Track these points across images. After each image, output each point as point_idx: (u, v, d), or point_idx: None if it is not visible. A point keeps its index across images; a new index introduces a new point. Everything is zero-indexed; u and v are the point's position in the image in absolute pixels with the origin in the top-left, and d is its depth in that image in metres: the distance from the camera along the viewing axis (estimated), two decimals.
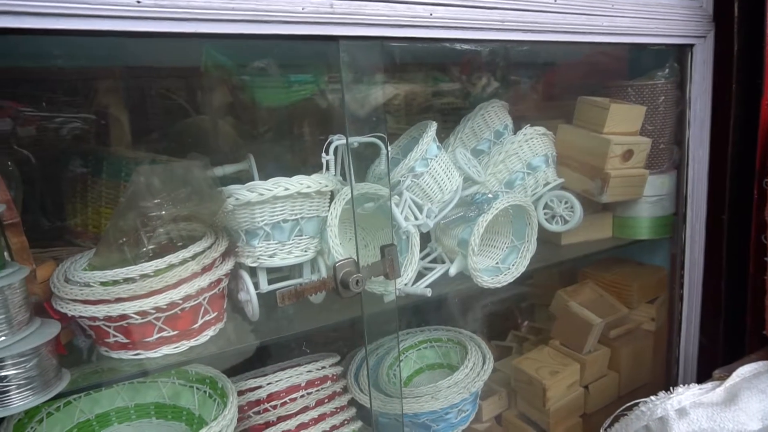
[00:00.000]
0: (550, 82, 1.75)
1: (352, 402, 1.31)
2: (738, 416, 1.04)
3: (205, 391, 1.18)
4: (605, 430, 1.19)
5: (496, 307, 1.78)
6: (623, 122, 1.39)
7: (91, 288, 0.89)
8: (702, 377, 1.47)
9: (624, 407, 1.16)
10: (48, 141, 1.25)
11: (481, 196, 1.21)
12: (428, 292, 1.15)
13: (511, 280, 1.26)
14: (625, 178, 1.40)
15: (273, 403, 1.19)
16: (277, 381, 1.19)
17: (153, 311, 0.89)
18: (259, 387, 1.18)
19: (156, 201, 0.90)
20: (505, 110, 1.45)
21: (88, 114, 1.33)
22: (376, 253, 1.22)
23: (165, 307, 0.90)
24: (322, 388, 1.24)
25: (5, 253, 0.86)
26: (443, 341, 1.52)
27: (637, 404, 1.13)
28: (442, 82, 1.71)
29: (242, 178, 1.14)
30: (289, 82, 1.41)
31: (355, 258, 1.02)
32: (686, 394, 1.09)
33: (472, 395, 1.30)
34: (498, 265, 1.31)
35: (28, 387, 0.83)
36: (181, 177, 0.93)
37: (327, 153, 1.11)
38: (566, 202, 1.37)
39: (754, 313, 1.43)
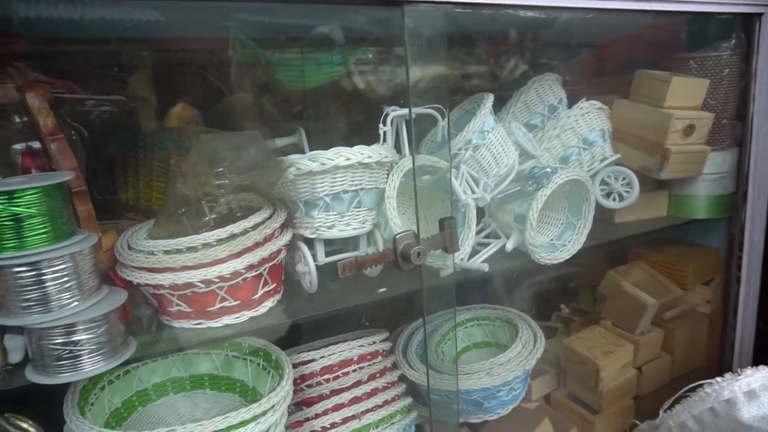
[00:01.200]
0: (601, 57, 1.69)
1: (402, 378, 1.30)
2: None
3: (258, 363, 1.18)
4: (665, 411, 1.16)
5: (539, 287, 1.75)
6: (685, 96, 1.33)
7: (155, 256, 0.90)
8: (758, 363, 1.42)
9: (686, 389, 1.13)
10: (100, 116, 1.25)
11: (539, 170, 1.17)
12: (485, 267, 1.13)
13: (567, 257, 1.23)
14: (686, 154, 1.35)
15: (326, 376, 1.18)
16: (330, 355, 1.18)
17: (217, 280, 0.89)
18: (312, 360, 1.18)
19: (219, 169, 0.89)
20: (559, 84, 1.41)
21: (140, 90, 1.33)
22: (430, 227, 1.20)
23: (228, 276, 0.90)
24: (373, 363, 1.24)
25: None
26: (491, 319, 1.50)
27: (700, 385, 1.10)
28: (468, 64, 1.68)
29: (290, 153, 1.13)
30: (318, 64, 1.39)
31: (415, 230, 1.00)
32: (755, 376, 1.06)
33: (524, 373, 1.28)
34: (553, 241, 1.28)
35: (99, 352, 0.84)
36: (244, 146, 0.92)
37: (384, 124, 1.09)
38: (624, 179, 1.32)
39: None
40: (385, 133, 1.08)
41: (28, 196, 0.77)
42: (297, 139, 1.20)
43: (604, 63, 1.66)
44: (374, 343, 1.25)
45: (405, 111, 1.11)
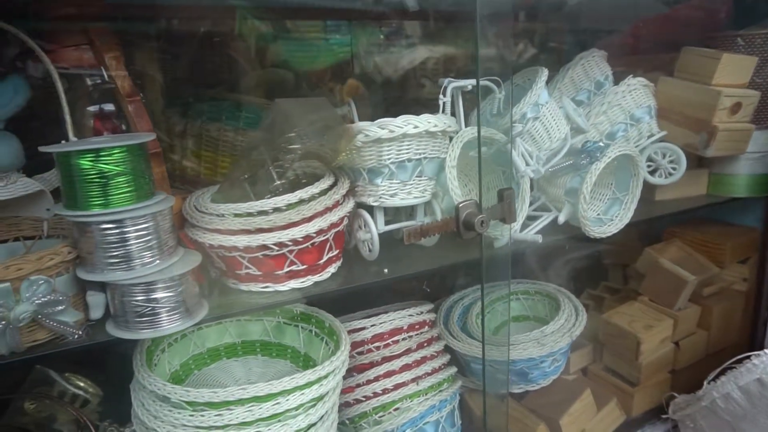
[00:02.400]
0: (640, 35, 1.69)
1: (447, 348, 1.32)
2: None
3: (311, 330, 1.21)
4: (709, 382, 1.19)
5: (568, 265, 1.77)
6: (733, 74, 1.34)
7: (230, 219, 0.91)
8: None
9: (732, 360, 1.15)
10: (164, 86, 1.26)
11: (592, 144, 1.18)
12: (539, 239, 1.15)
13: (615, 231, 1.24)
14: (731, 132, 1.36)
15: (377, 344, 1.21)
16: (381, 323, 1.21)
17: (290, 243, 0.91)
18: (363, 328, 1.20)
19: (292, 134, 0.90)
20: (605, 60, 1.41)
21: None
22: (486, 198, 1.21)
23: (301, 239, 0.91)
24: (421, 332, 1.26)
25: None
26: (530, 294, 1.53)
27: (747, 357, 1.12)
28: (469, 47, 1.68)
29: None
30: (329, 44, 1.38)
31: (477, 200, 1.01)
32: None
33: (567, 345, 1.31)
34: (600, 216, 1.29)
35: (176, 311, 0.86)
36: (314, 112, 0.92)
37: (444, 95, 1.10)
38: (671, 155, 1.33)
39: None
40: (444, 103, 1.09)
41: (115, 155, 0.78)
42: (347, 110, 1.21)
43: (644, 41, 1.66)
44: (422, 313, 1.27)
45: (463, 83, 1.12)
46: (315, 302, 1.19)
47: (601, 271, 1.87)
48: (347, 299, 1.31)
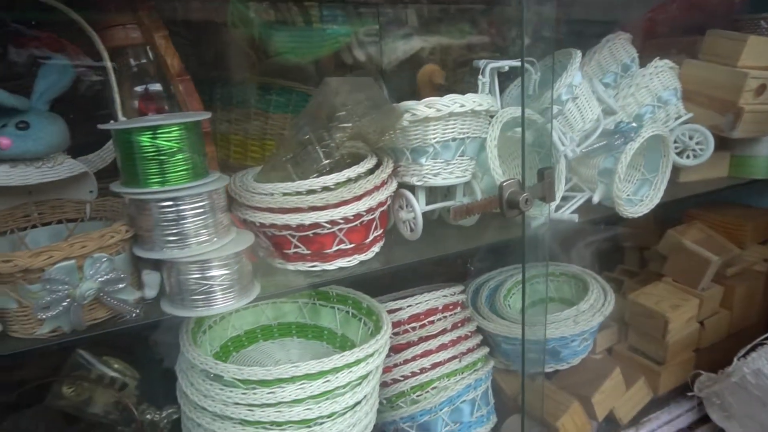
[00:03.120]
0: (659, 19, 1.70)
1: (478, 329, 1.33)
2: None
3: (347, 311, 1.21)
4: (739, 359, 1.21)
5: (584, 249, 1.79)
6: (758, 56, 1.35)
7: (282, 197, 0.91)
8: None
9: (763, 337, 1.18)
10: (209, 72, 1.25)
11: (625, 125, 1.19)
12: (575, 218, 1.16)
13: (646, 211, 1.26)
14: (756, 113, 1.37)
15: (413, 324, 1.22)
16: (417, 303, 1.22)
17: (341, 221, 0.91)
18: (400, 309, 1.21)
19: (342, 113, 0.90)
20: (630, 43, 1.42)
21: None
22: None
23: (351, 217, 0.92)
24: (455, 313, 1.28)
25: None
26: (555, 275, 1.54)
27: None
28: (471, 35, 1.68)
29: None
30: (324, 35, 1.37)
31: (520, 179, 1.02)
32: None
33: (598, 324, 1.32)
34: (630, 197, 1.31)
35: (230, 290, 0.86)
36: (363, 91, 0.93)
37: (483, 75, 1.10)
38: (698, 136, 1.35)
39: None
40: (483, 83, 1.10)
41: (174, 132, 0.78)
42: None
43: (663, 25, 1.67)
44: (455, 294, 1.28)
45: (500, 63, 1.13)
46: (347, 284, 1.20)
47: (616, 254, 1.90)
48: (376, 282, 1.32)
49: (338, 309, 1.23)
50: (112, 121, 0.90)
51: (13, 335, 0.77)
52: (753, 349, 1.21)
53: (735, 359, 1.24)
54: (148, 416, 1.20)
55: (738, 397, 1.28)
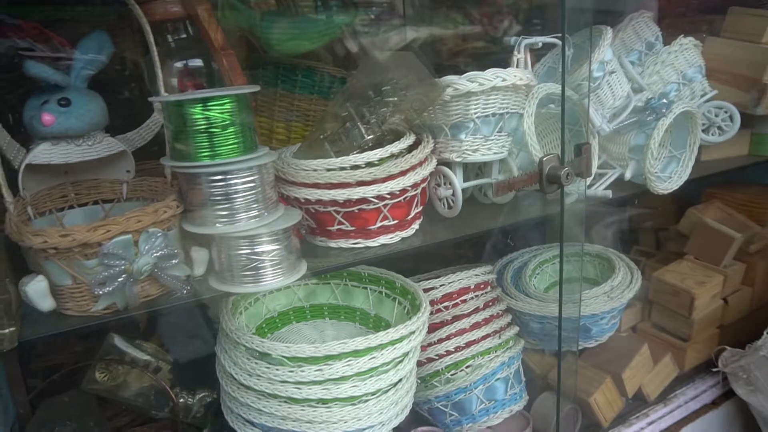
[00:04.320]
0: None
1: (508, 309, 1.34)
2: None
3: (380, 292, 1.21)
4: None
5: (599, 231, 1.79)
6: None
7: (319, 173, 0.90)
8: None
9: None
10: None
11: (656, 101, 1.20)
12: (608, 194, 1.17)
13: (676, 188, 1.27)
14: None
15: (445, 303, 1.22)
16: (450, 282, 1.21)
17: (388, 196, 0.91)
18: (433, 288, 1.21)
19: (387, 87, 0.89)
20: (653, 21, 1.42)
21: None
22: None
23: (398, 192, 0.91)
24: (486, 292, 1.28)
25: None
26: (578, 255, 1.54)
27: None
28: (463, 25, 1.67)
29: None
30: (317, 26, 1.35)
31: (559, 154, 1.02)
32: None
33: (626, 302, 1.33)
34: (658, 174, 1.31)
35: (279, 266, 0.86)
36: (407, 65, 0.92)
37: (518, 52, 1.10)
38: (726, 112, 1.36)
39: None
40: (518, 59, 1.09)
41: (225, 104, 0.77)
42: None
43: (681, 3, 1.68)
44: (486, 273, 1.28)
45: (534, 39, 1.12)
46: (376, 265, 1.20)
47: (631, 235, 1.90)
48: (398, 264, 1.31)
49: (371, 289, 1.22)
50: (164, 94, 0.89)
51: (66, 313, 0.75)
52: None
53: (765, 333, 1.26)
54: (181, 400, 1.19)
55: (765, 370, 1.29)
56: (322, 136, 1.01)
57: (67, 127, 0.84)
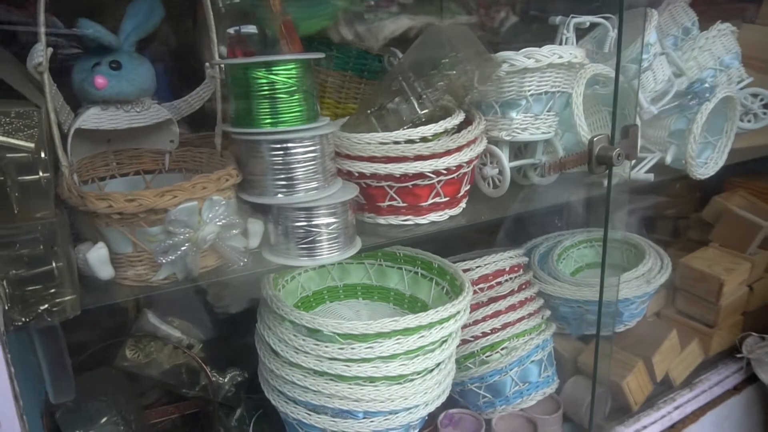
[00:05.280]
0: None
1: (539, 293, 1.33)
2: None
3: (416, 272, 1.20)
4: None
5: (621, 218, 1.79)
6: None
7: (374, 146, 0.88)
8: None
9: None
10: None
11: (699, 86, 1.19)
12: (651, 177, 1.16)
13: (713, 173, 1.26)
14: None
15: (481, 285, 1.21)
16: (486, 264, 1.20)
17: (444, 171, 0.89)
18: (469, 269, 1.20)
19: (445, 60, 0.87)
20: (689, 6, 1.41)
21: None
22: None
23: (454, 168, 0.90)
24: (519, 275, 1.27)
25: None
26: (613, 244, 1.54)
27: None
28: (459, 15, 1.66)
29: None
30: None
31: (609, 135, 1.01)
32: None
33: (656, 286, 1.33)
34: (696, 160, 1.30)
35: (336, 240, 0.84)
36: (465, 39, 0.90)
37: (568, 30, 1.08)
38: (761, 99, 1.36)
39: None
40: (567, 38, 1.08)
41: (290, 69, 0.75)
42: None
43: None
44: (519, 256, 1.27)
45: (583, 19, 1.11)
46: (420, 243, 1.18)
47: (649, 223, 1.91)
48: (427, 245, 1.30)
49: (406, 270, 1.21)
50: (207, 64, 0.86)
51: (124, 282, 0.73)
52: None
53: None
54: (213, 379, 1.17)
55: None
56: (369, 111, 0.99)
57: (118, 91, 0.81)
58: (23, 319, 0.62)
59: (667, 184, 1.66)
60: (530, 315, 1.24)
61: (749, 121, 1.38)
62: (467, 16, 1.63)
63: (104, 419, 1.01)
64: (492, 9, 1.61)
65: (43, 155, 0.65)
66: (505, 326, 1.19)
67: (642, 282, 1.27)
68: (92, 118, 0.81)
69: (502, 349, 1.20)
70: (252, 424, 1.11)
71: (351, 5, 1.22)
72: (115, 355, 1.12)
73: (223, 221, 0.73)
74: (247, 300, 1.18)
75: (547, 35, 1.23)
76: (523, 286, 1.26)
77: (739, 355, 1.45)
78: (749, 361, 1.44)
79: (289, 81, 0.74)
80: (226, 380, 1.19)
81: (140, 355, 1.14)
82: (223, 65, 0.80)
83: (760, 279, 1.51)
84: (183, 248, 0.69)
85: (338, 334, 0.88)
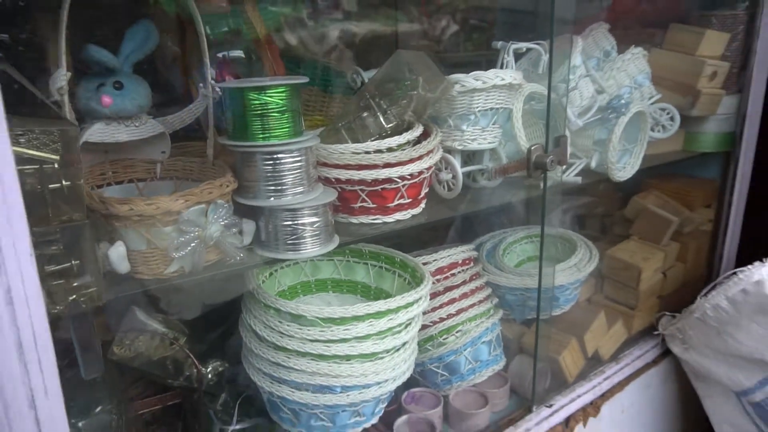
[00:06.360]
0: (621, 13, 1.94)
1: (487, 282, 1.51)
2: None
3: (380, 266, 1.34)
4: (702, 297, 1.47)
5: (556, 216, 2.01)
6: (711, 47, 1.62)
7: (348, 155, 1.02)
8: None
9: (722, 276, 1.44)
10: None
11: (617, 102, 1.40)
12: (579, 180, 1.36)
13: (629, 176, 1.48)
14: (708, 96, 1.64)
15: (437, 276, 1.37)
16: (441, 258, 1.37)
17: (408, 176, 1.04)
18: (427, 263, 1.36)
19: (407, 83, 1.03)
20: (609, 32, 1.63)
21: None
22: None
23: (417, 173, 1.05)
24: (471, 267, 1.44)
25: None
26: (548, 238, 1.74)
27: (734, 273, 1.41)
28: (402, 21, 1.74)
29: None
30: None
31: (544, 144, 1.20)
32: None
33: (587, 274, 1.54)
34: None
35: (317, 237, 0.97)
36: (424, 63, 1.05)
37: (507, 55, 1.26)
38: (668, 113, 1.59)
39: None
40: (507, 62, 1.26)
41: (280, 92, 0.88)
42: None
43: (630, 18, 1.91)
44: (470, 250, 1.45)
45: (520, 45, 1.29)
46: (388, 239, 1.33)
47: (577, 221, 2.14)
48: (387, 242, 1.45)
49: (371, 264, 1.35)
50: (201, 85, 0.97)
51: (137, 276, 0.83)
52: (712, 288, 1.47)
53: (698, 298, 1.50)
54: (195, 370, 1.27)
55: (697, 330, 1.54)
56: (340, 124, 1.13)
57: (121, 108, 0.91)
58: (58, 307, 0.72)
59: (594, 186, 1.90)
60: (480, 302, 1.41)
61: (659, 132, 1.62)
62: (409, 24, 1.77)
63: (98, 408, 1.10)
64: (433, 17, 1.77)
65: (66, 166, 0.75)
66: (459, 312, 1.36)
67: (574, 270, 1.47)
68: (97, 132, 0.91)
69: (456, 332, 1.36)
70: (237, 407, 1.22)
71: (294, 12, 1.34)
72: (106, 350, 1.20)
73: (225, 221, 0.85)
74: (222, 298, 1.30)
75: (487, 43, 1.37)
76: (474, 277, 1.44)
77: (656, 333, 1.69)
78: (664, 338, 1.68)
79: (280, 102, 0.87)
80: (209, 370, 1.29)
81: (127, 350, 1.22)
82: (218, 88, 0.92)
83: (671, 267, 1.76)
84: (192, 244, 0.81)
85: (320, 318, 1.01)
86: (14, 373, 0.63)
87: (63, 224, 0.73)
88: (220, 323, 1.41)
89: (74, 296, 0.74)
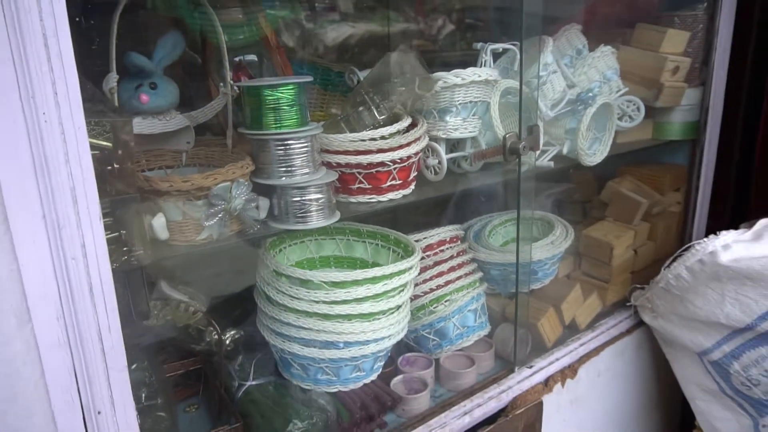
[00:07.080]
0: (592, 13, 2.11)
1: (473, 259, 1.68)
2: (764, 247, 1.51)
3: (377, 244, 1.52)
4: (665, 268, 1.64)
5: (539, 202, 2.18)
6: (673, 45, 1.79)
7: (346, 143, 1.20)
8: None
9: (682, 249, 1.61)
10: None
11: (585, 95, 1.58)
12: (551, 164, 1.53)
13: (599, 161, 1.66)
14: (672, 89, 1.81)
15: (428, 252, 1.54)
16: (431, 236, 1.54)
17: (398, 160, 1.22)
18: (418, 240, 1.53)
19: (396, 80, 1.20)
20: (581, 32, 1.81)
21: None
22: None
23: (405, 158, 1.23)
24: (457, 244, 1.61)
25: None
26: (525, 219, 1.92)
27: (692, 245, 1.58)
28: (397, 22, 1.83)
29: None
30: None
31: (517, 132, 1.37)
32: (728, 236, 1.55)
33: (564, 250, 1.71)
34: (585, 150, 1.70)
35: (322, 211, 1.15)
36: (411, 63, 1.23)
37: (485, 54, 1.44)
38: (634, 104, 1.77)
39: (757, 201, 1.91)
40: (485, 60, 1.43)
41: (290, 88, 1.05)
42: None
43: (600, 18, 2.09)
44: (457, 229, 1.62)
45: (496, 45, 1.47)
46: (383, 217, 1.50)
47: (560, 207, 2.31)
48: (386, 223, 1.62)
49: (369, 242, 1.52)
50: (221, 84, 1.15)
51: (173, 243, 1.01)
52: (674, 260, 1.65)
53: (662, 269, 1.68)
54: (215, 336, 1.45)
55: (663, 299, 1.72)
56: (339, 117, 1.31)
57: (156, 105, 1.09)
58: (115, 264, 0.90)
59: (573, 173, 2.07)
60: (466, 275, 1.58)
61: (626, 121, 1.79)
62: (406, 24, 1.92)
63: (134, 366, 1.27)
64: (429, 17, 1.92)
65: (119, 151, 0.93)
66: (447, 283, 1.53)
67: (551, 247, 1.64)
68: (137, 125, 1.09)
69: (445, 301, 1.53)
70: (253, 366, 1.39)
71: (292, 13, 1.49)
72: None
73: (245, 197, 1.02)
74: (238, 275, 1.48)
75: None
76: (461, 253, 1.61)
77: (628, 304, 1.86)
78: (636, 309, 1.85)
79: (290, 97, 1.04)
80: (226, 336, 1.46)
81: (156, 318, 1.39)
82: (237, 87, 1.09)
83: (643, 245, 1.93)
84: (220, 215, 0.99)
85: (325, 282, 1.19)
86: (88, 312, 0.81)
87: (118, 197, 0.90)
88: (236, 302, 1.58)
89: (126, 257, 0.92)
